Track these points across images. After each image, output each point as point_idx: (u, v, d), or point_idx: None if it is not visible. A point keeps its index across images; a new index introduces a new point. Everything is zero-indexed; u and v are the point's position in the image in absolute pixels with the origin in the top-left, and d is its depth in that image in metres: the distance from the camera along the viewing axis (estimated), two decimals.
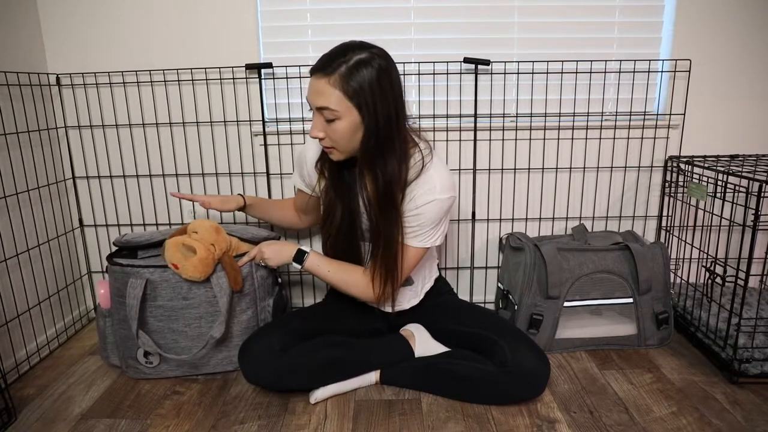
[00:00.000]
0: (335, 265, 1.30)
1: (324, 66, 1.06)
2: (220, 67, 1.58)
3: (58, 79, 1.59)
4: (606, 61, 1.58)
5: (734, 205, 1.40)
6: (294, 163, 1.38)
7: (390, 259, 1.20)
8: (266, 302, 1.41)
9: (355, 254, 1.30)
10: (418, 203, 1.17)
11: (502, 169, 1.66)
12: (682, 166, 1.59)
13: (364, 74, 1.05)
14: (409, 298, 1.37)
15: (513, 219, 1.71)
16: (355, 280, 1.27)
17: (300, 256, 1.29)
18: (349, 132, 1.09)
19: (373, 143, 1.10)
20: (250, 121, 1.62)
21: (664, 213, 1.68)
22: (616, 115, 1.63)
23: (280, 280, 1.49)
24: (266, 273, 1.40)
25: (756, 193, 1.20)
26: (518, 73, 1.59)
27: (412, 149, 1.18)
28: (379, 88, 1.06)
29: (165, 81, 1.60)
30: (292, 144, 1.64)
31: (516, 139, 1.64)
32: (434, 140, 1.62)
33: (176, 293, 1.29)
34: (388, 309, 1.35)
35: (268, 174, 1.66)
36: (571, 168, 1.67)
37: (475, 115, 1.60)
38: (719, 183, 1.40)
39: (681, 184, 1.61)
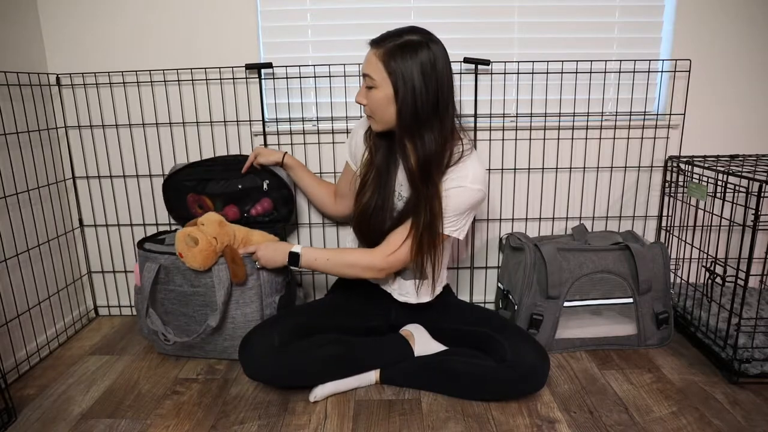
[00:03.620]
0: (332, 252, 1.32)
1: (379, 40, 1.17)
2: (220, 67, 1.58)
3: (58, 79, 1.59)
4: (606, 61, 1.58)
5: (734, 205, 1.40)
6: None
7: (426, 231, 1.22)
8: (272, 299, 1.43)
9: (380, 231, 1.30)
10: (448, 186, 1.21)
11: (502, 169, 1.66)
12: (682, 166, 1.59)
13: (408, 56, 1.13)
14: (423, 294, 1.35)
15: (513, 219, 1.71)
16: (355, 259, 1.29)
17: (294, 259, 1.31)
18: (382, 103, 1.17)
19: (409, 120, 1.16)
20: (250, 121, 1.63)
21: (664, 213, 1.68)
22: (616, 115, 1.63)
23: (290, 277, 1.50)
24: (274, 273, 1.42)
25: (756, 193, 1.20)
26: (518, 73, 1.59)
27: (457, 140, 1.23)
28: (420, 72, 1.13)
29: (165, 81, 1.60)
30: (292, 144, 1.64)
31: (516, 139, 1.64)
32: None
33: (186, 280, 1.37)
34: (400, 297, 1.36)
35: None
36: (571, 168, 1.67)
37: (475, 115, 1.60)
38: (719, 183, 1.40)
39: (681, 184, 1.61)
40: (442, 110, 1.16)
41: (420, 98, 1.14)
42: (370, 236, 1.32)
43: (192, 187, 1.57)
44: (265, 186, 1.56)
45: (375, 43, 1.17)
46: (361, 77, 1.21)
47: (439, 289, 1.39)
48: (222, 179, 1.55)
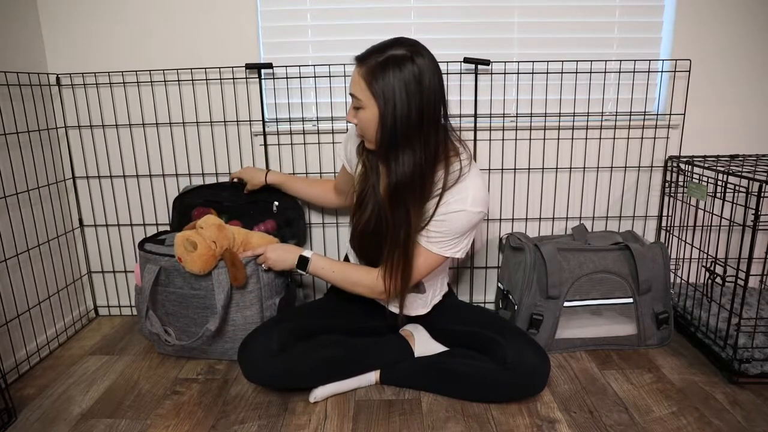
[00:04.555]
0: (339, 266, 1.31)
1: (363, 56, 1.11)
2: (220, 67, 1.58)
3: (58, 79, 1.59)
4: (606, 61, 1.58)
5: (734, 205, 1.40)
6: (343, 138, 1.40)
7: (399, 258, 1.18)
8: (272, 301, 1.43)
9: (379, 250, 1.25)
10: (447, 210, 1.16)
11: (502, 169, 1.66)
12: (682, 166, 1.59)
13: (390, 72, 1.06)
14: (417, 307, 1.35)
15: (513, 219, 1.71)
16: (360, 278, 1.27)
17: (303, 263, 1.30)
18: (370, 123, 1.12)
19: (387, 139, 1.10)
20: (250, 121, 1.63)
21: (664, 213, 1.68)
22: (616, 115, 1.63)
23: (290, 279, 1.50)
24: (273, 274, 1.42)
25: (756, 193, 1.20)
26: (518, 73, 1.59)
27: (453, 158, 1.16)
28: (404, 89, 1.06)
29: (165, 81, 1.60)
30: (292, 144, 1.64)
31: (516, 139, 1.64)
32: None
33: (186, 282, 1.37)
34: (396, 309, 1.35)
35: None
36: (571, 168, 1.67)
37: (475, 115, 1.60)
38: (719, 183, 1.40)
39: (681, 184, 1.61)
40: (427, 127, 1.09)
41: (402, 117, 1.07)
42: (368, 254, 1.30)
43: (200, 204, 1.59)
44: (274, 207, 1.57)
45: (359, 60, 1.11)
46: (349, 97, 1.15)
47: (438, 299, 1.39)
48: (231, 200, 1.59)
